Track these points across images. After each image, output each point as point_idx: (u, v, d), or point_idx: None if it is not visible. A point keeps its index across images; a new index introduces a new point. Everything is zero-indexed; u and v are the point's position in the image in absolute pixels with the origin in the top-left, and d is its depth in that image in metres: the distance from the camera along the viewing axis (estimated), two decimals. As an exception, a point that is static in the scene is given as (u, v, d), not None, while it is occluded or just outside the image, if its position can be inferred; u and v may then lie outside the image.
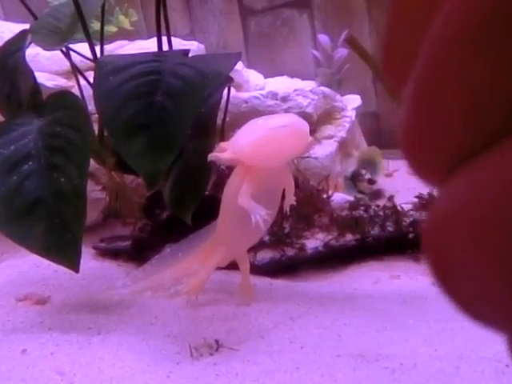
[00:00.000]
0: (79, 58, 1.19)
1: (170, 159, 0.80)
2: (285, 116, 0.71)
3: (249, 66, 2.05)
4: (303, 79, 1.96)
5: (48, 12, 1.21)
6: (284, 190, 0.81)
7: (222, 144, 0.75)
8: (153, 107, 0.80)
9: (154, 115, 0.80)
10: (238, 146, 0.72)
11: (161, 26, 1.03)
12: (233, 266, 0.95)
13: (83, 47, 1.17)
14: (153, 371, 0.71)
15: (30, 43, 1.13)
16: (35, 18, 1.18)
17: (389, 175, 1.80)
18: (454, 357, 0.68)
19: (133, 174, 1.13)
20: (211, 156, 0.74)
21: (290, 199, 0.81)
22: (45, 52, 1.51)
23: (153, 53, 0.97)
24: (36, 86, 1.07)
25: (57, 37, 1.12)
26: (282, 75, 2.01)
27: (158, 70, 0.84)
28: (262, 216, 0.71)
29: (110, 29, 1.93)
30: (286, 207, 0.82)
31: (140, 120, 0.79)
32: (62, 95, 0.93)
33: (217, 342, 0.78)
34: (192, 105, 0.80)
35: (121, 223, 1.41)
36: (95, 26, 1.78)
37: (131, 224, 1.33)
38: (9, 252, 1.23)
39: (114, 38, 1.86)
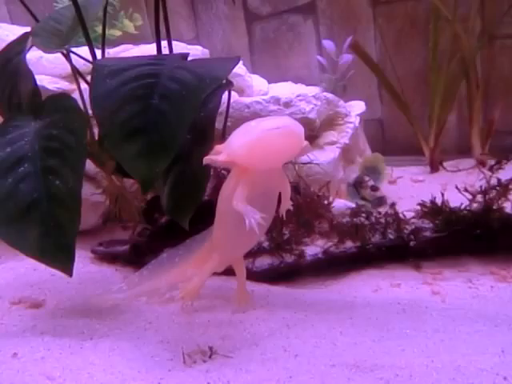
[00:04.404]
0: (83, 61, 1.19)
1: (166, 163, 0.79)
2: (278, 118, 0.70)
3: (253, 71, 2.04)
4: (308, 85, 1.95)
5: (50, 15, 1.21)
6: (280, 195, 0.79)
7: (217, 147, 0.74)
8: (149, 111, 0.79)
9: (149, 119, 0.79)
10: (231, 148, 0.71)
11: (160, 29, 1.03)
12: (232, 272, 0.94)
13: (87, 50, 1.17)
14: (144, 378, 0.70)
15: (32, 46, 1.13)
16: (38, 21, 1.18)
17: (392, 182, 1.78)
18: (451, 368, 0.66)
19: (132, 177, 1.12)
20: (206, 159, 0.73)
21: (287, 204, 0.79)
22: (48, 55, 1.51)
23: (151, 56, 0.97)
24: (36, 89, 1.07)
25: (57, 39, 1.12)
26: (287, 81, 2.00)
27: (156, 73, 0.83)
28: (256, 219, 0.70)
29: (115, 33, 1.94)
30: (283, 212, 0.80)
31: (136, 123, 0.79)
32: (60, 98, 0.93)
33: (210, 348, 0.77)
34: (189, 108, 0.79)
35: (121, 227, 1.41)
36: (99, 29, 1.79)
37: (131, 228, 1.33)
38: (6, 254, 1.23)
39: (119, 41, 1.87)
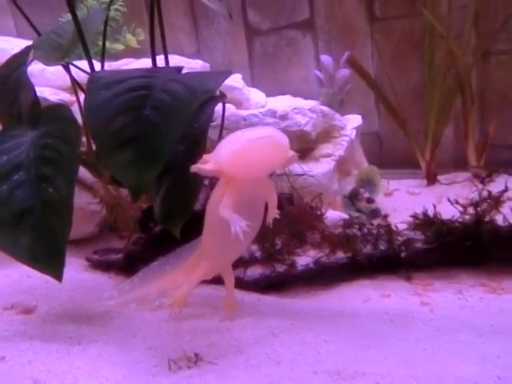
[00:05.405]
0: (84, 73, 1.23)
1: (156, 172, 0.81)
2: (263, 128, 0.73)
3: (253, 85, 2.08)
4: (306, 99, 1.98)
5: (51, 29, 1.25)
6: (267, 204, 0.81)
7: (205, 156, 0.76)
8: (140, 121, 0.82)
9: (141, 129, 0.81)
10: (218, 157, 0.73)
11: (154, 43, 1.07)
12: (223, 280, 0.95)
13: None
14: (127, 383, 0.71)
15: (34, 59, 1.17)
16: (40, 35, 1.22)
17: (388, 194, 1.79)
18: (431, 377, 0.67)
19: (128, 187, 1.14)
20: (193, 167, 0.75)
21: (273, 212, 0.81)
22: (50, 68, 1.56)
23: (146, 69, 1.00)
24: (36, 100, 1.10)
25: (58, 53, 1.16)
26: (286, 94, 2.03)
27: (149, 86, 0.86)
28: (241, 227, 0.72)
29: (118, 47, 1.99)
30: (269, 220, 0.82)
31: (128, 133, 0.81)
32: (56, 108, 0.96)
33: (196, 355, 0.78)
34: (179, 120, 0.82)
35: (117, 236, 1.42)
36: (102, 43, 1.83)
37: (127, 237, 1.34)
38: (4, 262, 1.24)
39: (122, 56, 1.91)
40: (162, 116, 0.82)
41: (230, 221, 0.72)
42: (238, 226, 0.72)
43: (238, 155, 0.70)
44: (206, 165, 0.75)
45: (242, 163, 0.71)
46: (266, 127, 0.73)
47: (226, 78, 0.90)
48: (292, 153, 0.75)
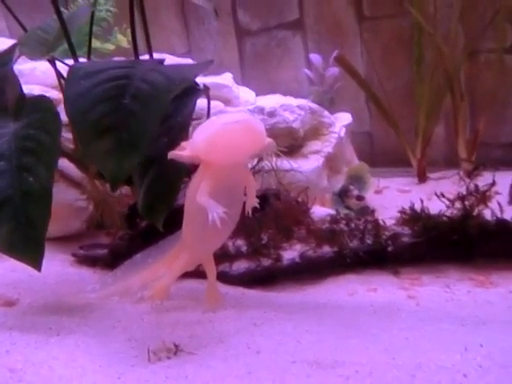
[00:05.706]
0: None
1: (136, 160, 0.81)
2: (238, 113, 0.73)
3: (244, 84, 2.08)
4: (297, 98, 1.98)
5: (38, 26, 1.25)
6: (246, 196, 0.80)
7: (183, 143, 0.76)
8: (120, 110, 0.81)
9: (120, 118, 0.81)
10: (194, 143, 0.73)
11: (136, 38, 1.07)
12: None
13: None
14: (104, 372, 0.70)
15: (20, 56, 1.17)
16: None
17: (378, 192, 1.78)
18: (411, 366, 0.66)
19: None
20: (171, 154, 0.75)
21: (252, 201, 0.80)
22: (41, 66, 1.56)
23: (126, 60, 1.00)
24: (21, 95, 1.10)
25: (44, 48, 1.16)
26: (276, 94, 2.04)
27: (128, 75, 0.86)
28: (218, 214, 0.71)
29: (109, 47, 1.99)
30: (248, 209, 0.81)
31: (107, 122, 0.81)
32: (38, 100, 0.96)
33: (176, 346, 0.76)
34: (157, 108, 0.82)
35: (104, 233, 1.41)
36: (92, 43, 1.83)
37: (113, 233, 1.33)
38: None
39: (113, 56, 1.91)
40: (141, 105, 0.82)
41: (206, 207, 0.72)
42: (215, 212, 0.71)
43: (212, 139, 0.70)
44: (183, 151, 0.74)
45: (218, 147, 0.71)
46: (242, 113, 0.73)
47: (204, 69, 0.90)
48: (269, 140, 0.74)
